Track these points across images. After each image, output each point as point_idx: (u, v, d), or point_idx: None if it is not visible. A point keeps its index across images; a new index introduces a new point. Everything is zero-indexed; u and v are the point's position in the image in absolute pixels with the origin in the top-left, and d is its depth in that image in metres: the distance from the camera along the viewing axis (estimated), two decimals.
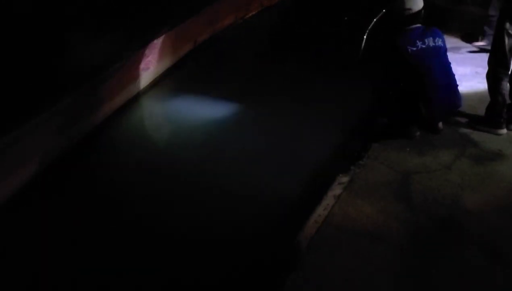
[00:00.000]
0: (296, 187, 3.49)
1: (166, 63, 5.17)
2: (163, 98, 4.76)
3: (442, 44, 3.71)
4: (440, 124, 3.80)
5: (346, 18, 5.53)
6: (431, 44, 3.65)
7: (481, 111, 3.94)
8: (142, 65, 4.73)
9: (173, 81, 5.04)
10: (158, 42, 4.90)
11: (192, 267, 2.91)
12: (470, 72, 4.86)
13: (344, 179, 3.38)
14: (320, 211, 3.10)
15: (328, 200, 3.18)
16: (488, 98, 3.87)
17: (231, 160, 3.79)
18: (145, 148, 3.98)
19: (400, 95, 3.67)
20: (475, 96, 4.27)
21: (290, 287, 2.62)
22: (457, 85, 3.76)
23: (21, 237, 3.08)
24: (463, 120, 3.96)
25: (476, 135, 3.79)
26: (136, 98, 4.67)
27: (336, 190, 3.28)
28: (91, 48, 4.14)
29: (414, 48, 3.61)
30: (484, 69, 3.92)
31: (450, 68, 3.75)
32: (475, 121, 3.91)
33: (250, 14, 6.62)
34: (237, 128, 4.23)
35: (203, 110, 4.44)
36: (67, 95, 3.82)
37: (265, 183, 3.53)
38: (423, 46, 3.63)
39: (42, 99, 3.59)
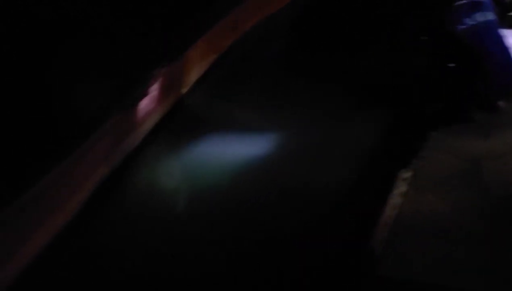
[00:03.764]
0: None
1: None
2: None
3: (492, 18, 3.49)
4: (501, 102, 3.58)
5: None
6: (481, 19, 3.45)
7: None
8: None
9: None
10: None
11: None
12: None
13: (407, 174, 3.16)
14: (389, 212, 2.90)
15: (395, 199, 2.98)
16: None
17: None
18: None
19: (455, 77, 3.47)
20: None
21: None
22: None
23: None
24: None
25: None
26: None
27: (401, 187, 3.07)
28: None
29: (464, 26, 3.42)
30: None
31: (503, 42, 3.52)
32: None
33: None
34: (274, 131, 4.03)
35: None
36: None
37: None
38: (473, 23, 3.42)
39: None
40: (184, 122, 4.59)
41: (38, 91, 2.99)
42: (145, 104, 4.21)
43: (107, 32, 3.90)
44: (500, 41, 3.50)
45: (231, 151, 3.99)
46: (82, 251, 3.09)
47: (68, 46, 3.49)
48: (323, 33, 5.47)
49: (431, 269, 2.51)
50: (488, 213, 2.77)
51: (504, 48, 3.50)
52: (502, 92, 3.58)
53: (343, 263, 2.75)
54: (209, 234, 3.15)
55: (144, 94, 4.16)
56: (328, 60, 4.91)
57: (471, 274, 2.46)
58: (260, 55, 5.62)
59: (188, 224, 3.27)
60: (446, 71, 3.54)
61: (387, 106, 4.10)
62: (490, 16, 3.48)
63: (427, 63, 3.70)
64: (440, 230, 2.72)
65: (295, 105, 4.37)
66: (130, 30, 4.07)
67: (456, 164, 3.15)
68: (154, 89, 4.34)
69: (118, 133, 3.92)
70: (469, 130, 3.43)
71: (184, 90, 4.92)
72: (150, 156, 4.08)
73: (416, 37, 3.86)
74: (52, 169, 3.18)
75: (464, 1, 3.49)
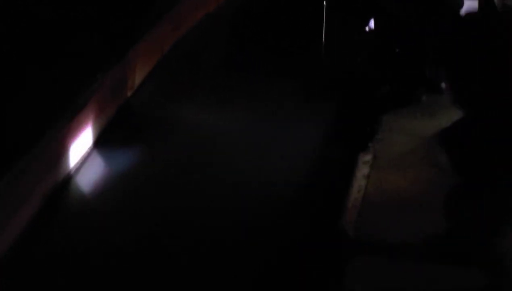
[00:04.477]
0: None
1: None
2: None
3: None
4: (443, 84, 3.84)
5: None
6: None
7: None
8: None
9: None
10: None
11: None
12: None
13: (367, 157, 3.35)
14: (355, 194, 3.07)
15: (360, 181, 3.16)
16: None
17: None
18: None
19: (402, 62, 3.69)
20: None
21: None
22: None
23: None
24: None
25: None
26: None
27: (363, 169, 3.26)
28: None
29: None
30: None
31: None
32: None
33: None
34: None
35: None
36: None
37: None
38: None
39: None
40: (131, 125, 4.50)
41: None
42: (91, 109, 4.11)
43: (48, 40, 3.79)
44: None
45: (181, 149, 3.97)
46: (34, 260, 2.98)
47: (6, 54, 3.40)
48: (263, 29, 5.55)
49: (399, 236, 2.71)
50: (446, 185, 3.01)
51: None
52: (444, 75, 3.84)
53: (319, 247, 2.89)
54: (163, 231, 3.12)
55: (89, 99, 4.07)
56: (272, 54, 5.01)
57: (432, 237, 2.71)
58: (203, 54, 5.61)
59: (139, 226, 3.20)
60: (393, 57, 3.74)
61: (338, 96, 4.27)
62: None
63: (375, 51, 3.91)
64: (403, 204, 2.93)
65: (244, 101, 4.41)
66: (71, 36, 3.98)
67: (410, 143, 3.38)
68: (99, 94, 4.24)
69: (65, 140, 3.83)
70: (416, 111, 3.67)
71: (130, 93, 4.85)
72: (99, 160, 3.99)
73: (363, 27, 4.08)
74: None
75: None
